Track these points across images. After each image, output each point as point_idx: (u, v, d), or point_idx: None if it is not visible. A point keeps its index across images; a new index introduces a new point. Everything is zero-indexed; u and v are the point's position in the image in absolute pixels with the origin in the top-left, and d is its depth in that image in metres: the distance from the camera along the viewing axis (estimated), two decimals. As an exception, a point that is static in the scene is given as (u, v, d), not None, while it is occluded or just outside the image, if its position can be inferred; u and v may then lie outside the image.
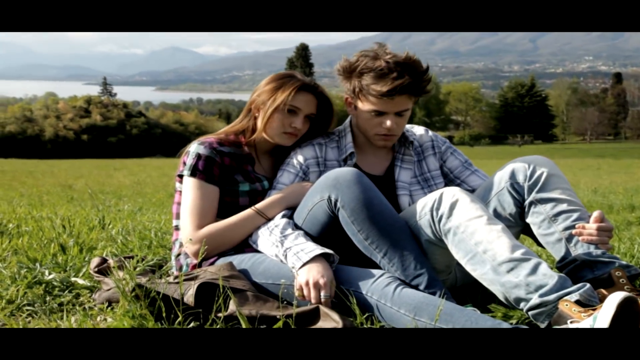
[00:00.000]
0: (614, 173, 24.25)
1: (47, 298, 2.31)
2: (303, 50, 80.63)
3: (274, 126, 2.50)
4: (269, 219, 2.38)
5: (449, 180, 2.68)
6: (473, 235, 2.04)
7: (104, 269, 2.41)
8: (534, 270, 1.93)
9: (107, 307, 2.23)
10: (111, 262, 2.44)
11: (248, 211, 2.40)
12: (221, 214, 2.43)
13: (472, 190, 2.58)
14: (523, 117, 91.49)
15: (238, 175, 2.48)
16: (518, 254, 1.96)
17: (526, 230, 2.40)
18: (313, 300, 2.06)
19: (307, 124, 2.55)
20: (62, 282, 2.43)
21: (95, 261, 2.50)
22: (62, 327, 1.99)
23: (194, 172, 2.41)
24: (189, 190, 2.42)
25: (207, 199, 2.41)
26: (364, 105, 2.48)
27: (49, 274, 2.52)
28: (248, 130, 2.57)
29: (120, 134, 65.65)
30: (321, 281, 2.06)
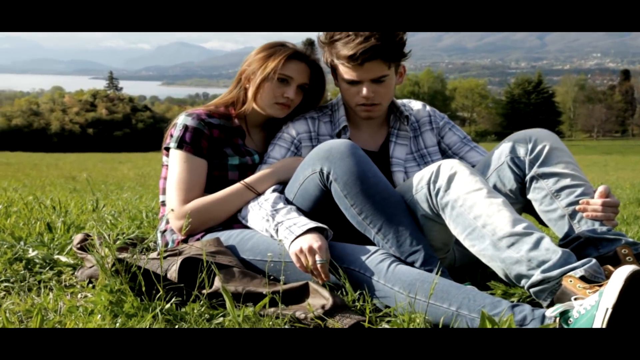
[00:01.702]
0: (620, 169, 24.06)
1: (27, 275, 2.21)
2: (309, 45, 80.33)
3: (265, 96, 2.39)
4: (259, 194, 2.28)
5: (447, 156, 2.57)
6: (472, 209, 1.94)
7: (86, 246, 2.31)
8: (536, 245, 1.82)
9: (88, 284, 2.13)
10: (93, 237, 2.34)
11: (237, 185, 2.29)
12: (209, 189, 2.33)
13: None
14: (530, 114, 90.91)
15: (227, 149, 2.38)
16: (519, 228, 1.85)
17: (528, 207, 2.28)
18: (310, 266, 1.96)
19: (300, 95, 2.45)
20: (45, 259, 2.34)
21: (78, 237, 2.40)
22: (38, 303, 1.89)
23: (180, 144, 2.31)
24: (176, 163, 2.31)
25: (194, 173, 2.30)
26: (339, 75, 2.39)
27: (33, 251, 2.42)
28: (238, 102, 2.46)
29: (125, 128, 65.59)
30: (315, 245, 1.96)
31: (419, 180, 2.08)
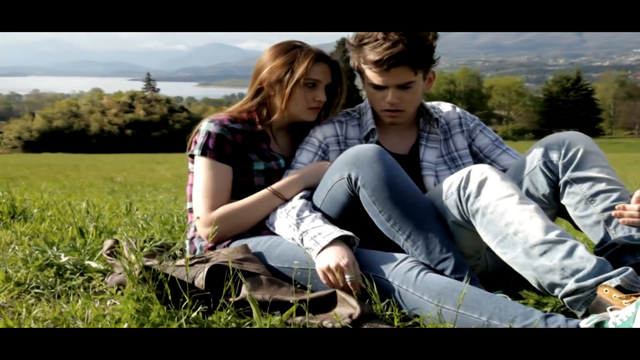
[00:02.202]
0: (663, 167, 23.50)
1: (58, 281, 2.23)
2: (343, 45, 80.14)
3: (298, 103, 2.37)
4: (287, 200, 2.26)
5: (479, 159, 2.52)
6: (503, 216, 1.89)
7: (115, 252, 2.32)
8: (570, 253, 1.77)
9: (117, 291, 2.13)
10: (123, 243, 2.35)
11: (264, 192, 2.27)
12: (236, 195, 2.32)
13: (503, 171, 2.42)
14: (568, 112, 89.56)
15: (252, 154, 2.36)
16: (552, 235, 1.80)
17: (562, 212, 2.22)
18: (341, 285, 1.93)
19: (325, 95, 2.42)
20: (75, 265, 2.35)
21: (108, 243, 2.42)
22: (66, 311, 1.89)
23: (204, 151, 2.30)
24: (201, 170, 2.30)
25: (219, 179, 2.28)
26: (366, 79, 2.35)
27: (65, 256, 2.44)
28: (263, 110, 2.42)
29: (163, 129, 66.35)
30: (342, 263, 1.92)
31: (449, 185, 2.04)
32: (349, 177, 2.06)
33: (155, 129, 65.93)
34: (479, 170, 1.99)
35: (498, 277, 2.24)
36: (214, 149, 2.29)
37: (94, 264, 2.35)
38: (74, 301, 2.01)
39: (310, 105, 2.38)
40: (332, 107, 2.50)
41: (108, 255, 2.33)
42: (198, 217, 2.23)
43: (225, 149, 2.30)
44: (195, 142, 2.32)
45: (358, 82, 2.50)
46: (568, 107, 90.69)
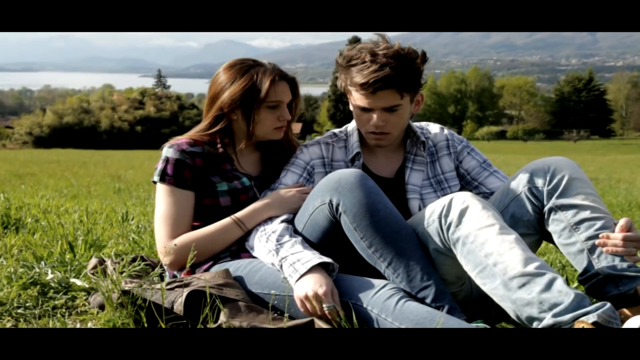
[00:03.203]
0: (674, 170, 23.31)
1: (41, 300, 2.23)
2: (355, 43, 79.80)
3: (265, 125, 2.35)
4: (249, 230, 2.26)
5: (466, 182, 2.49)
6: (483, 246, 1.87)
7: (97, 273, 2.32)
8: (549, 286, 1.75)
9: (98, 312, 2.13)
10: (108, 263, 2.35)
11: (227, 221, 2.26)
12: (204, 217, 2.31)
13: (490, 193, 2.40)
14: (580, 112, 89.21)
15: (214, 176, 2.33)
16: (531, 268, 1.78)
17: (548, 237, 2.19)
18: (318, 313, 1.92)
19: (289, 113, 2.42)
20: (60, 283, 2.35)
21: (92, 262, 2.42)
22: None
23: (163, 178, 2.28)
24: (160, 197, 2.29)
25: (179, 206, 2.27)
26: (351, 101, 2.34)
27: (51, 273, 2.44)
28: (224, 137, 2.41)
29: (173, 126, 66.42)
30: (320, 291, 1.90)
31: (431, 213, 2.02)
32: (331, 203, 2.05)
33: (165, 126, 66.03)
34: (461, 199, 1.97)
35: (483, 302, 2.22)
36: (173, 175, 2.27)
37: (78, 282, 2.35)
38: (53, 323, 2.00)
39: (275, 125, 2.37)
40: (292, 121, 2.48)
41: (92, 274, 2.32)
42: (164, 250, 2.22)
43: (185, 173, 2.28)
44: (157, 168, 2.31)
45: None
46: (580, 107, 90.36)
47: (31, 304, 2.19)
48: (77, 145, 55.59)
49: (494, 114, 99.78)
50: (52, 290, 2.31)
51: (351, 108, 2.40)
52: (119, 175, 18.96)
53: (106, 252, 2.87)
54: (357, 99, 2.28)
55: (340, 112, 70.35)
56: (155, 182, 2.32)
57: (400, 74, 2.20)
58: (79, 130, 63.85)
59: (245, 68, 2.33)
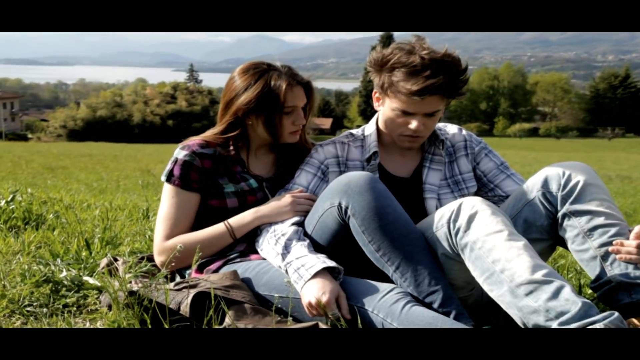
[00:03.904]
0: None
1: (52, 298, 2.25)
2: (387, 39, 79.86)
3: (281, 130, 2.36)
4: (237, 238, 2.28)
5: (482, 184, 2.47)
6: (491, 252, 1.84)
7: (106, 272, 2.34)
8: (556, 294, 1.72)
9: (108, 311, 2.14)
10: (120, 262, 2.37)
11: (220, 227, 2.28)
12: (212, 218, 2.32)
13: (506, 197, 2.37)
14: (615, 109, 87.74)
15: (222, 178, 2.34)
16: (539, 275, 1.75)
17: (562, 242, 2.15)
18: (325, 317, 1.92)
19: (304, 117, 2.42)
20: (73, 281, 2.37)
21: (104, 261, 2.44)
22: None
23: (169, 178, 2.31)
24: (165, 197, 2.32)
25: (180, 209, 2.29)
26: (391, 103, 2.30)
27: (67, 270, 2.47)
28: (239, 140, 2.42)
29: (204, 120, 66.82)
30: (323, 299, 1.90)
31: (440, 217, 2.00)
32: (340, 206, 2.04)
33: (197, 120, 66.45)
34: (470, 204, 1.95)
35: (493, 307, 2.19)
36: (180, 177, 2.29)
37: (91, 280, 2.37)
38: (62, 322, 2.02)
39: (291, 130, 2.37)
40: (306, 123, 2.47)
41: (104, 273, 2.34)
42: (158, 250, 2.26)
43: (191, 175, 2.29)
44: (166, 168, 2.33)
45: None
46: (615, 105, 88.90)
47: (43, 302, 2.21)
48: (109, 139, 56.23)
49: (526, 110, 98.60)
50: (64, 289, 2.33)
51: (381, 108, 2.38)
52: (149, 169, 19.18)
53: (122, 249, 2.89)
54: (401, 102, 2.25)
55: (371, 108, 69.76)
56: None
57: (451, 81, 2.20)
58: (111, 124, 64.59)
59: (260, 73, 2.33)
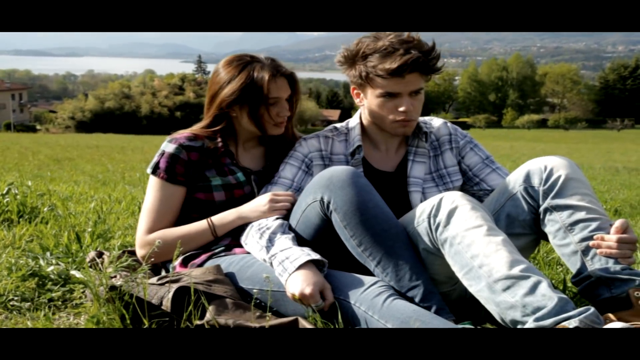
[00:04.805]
0: None
1: (39, 292, 2.27)
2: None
3: (266, 121, 2.36)
4: (218, 237, 2.29)
5: (468, 178, 2.47)
6: (469, 248, 1.84)
7: (87, 265, 2.35)
8: (533, 289, 1.72)
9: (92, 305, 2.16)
10: (105, 256, 2.38)
11: (202, 223, 2.29)
12: (200, 211, 2.34)
13: (491, 190, 2.37)
14: (624, 100, 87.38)
15: (210, 171, 2.35)
16: (516, 270, 1.75)
17: (547, 238, 2.15)
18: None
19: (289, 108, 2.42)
20: (60, 275, 2.38)
21: (91, 255, 2.45)
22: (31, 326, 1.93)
23: (155, 171, 2.31)
24: (149, 190, 2.33)
25: (165, 202, 2.30)
26: (374, 90, 2.30)
27: (56, 264, 2.49)
28: (225, 133, 2.42)
29: (212, 112, 66.85)
30: (307, 291, 1.90)
31: (421, 212, 2.00)
32: (322, 200, 2.04)
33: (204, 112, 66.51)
34: (450, 199, 1.95)
35: (477, 302, 2.19)
36: (165, 169, 2.30)
37: (78, 274, 2.38)
38: (43, 317, 2.04)
39: (276, 121, 2.37)
40: (293, 116, 2.49)
41: (90, 267, 2.36)
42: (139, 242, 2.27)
43: (177, 168, 2.30)
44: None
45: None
46: (624, 96, 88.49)
47: (28, 296, 2.22)
48: (117, 130, 56.33)
49: (535, 102, 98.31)
50: (50, 282, 2.34)
51: (363, 102, 2.39)
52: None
53: (113, 243, 2.90)
54: (384, 86, 2.26)
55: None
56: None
57: (425, 56, 2.22)
58: (119, 115, 64.71)
59: (243, 64, 2.34)
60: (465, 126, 79.41)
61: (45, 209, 3.63)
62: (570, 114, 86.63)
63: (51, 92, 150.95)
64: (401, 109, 2.28)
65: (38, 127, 67.06)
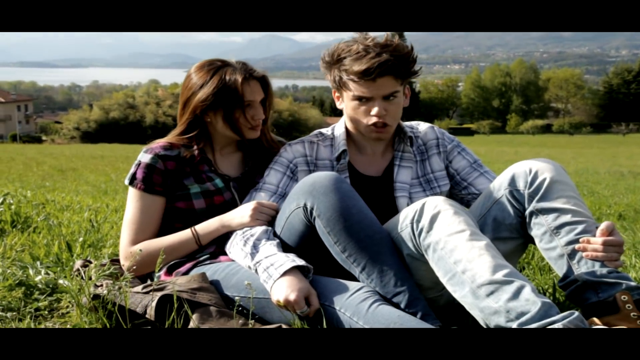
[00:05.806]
0: None
1: (25, 301, 2.26)
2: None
3: (242, 125, 2.35)
4: (202, 245, 2.28)
5: (455, 182, 2.45)
6: (453, 253, 1.83)
7: (68, 274, 2.35)
8: (516, 294, 1.70)
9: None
10: (92, 265, 2.38)
11: (186, 233, 2.28)
12: (180, 221, 2.33)
13: (479, 194, 2.35)
14: (629, 105, 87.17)
15: (188, 179, 2.34)
16: (499, 275, 1.74)
17: (534, 241, 2.13)
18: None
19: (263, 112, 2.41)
20: (47, 284, 2.38)
21: (78, 263, 2.44)
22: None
23: (132, 181, 2.31)
24: (129, 201, 2.32)
25: (145, 213, 2.29)
26: (348, 94, 2.31)
27: (45, 273, 2.48)
28: (200, 139, 2.41)
29: (216, 121, 66.97)
30: (291, 297, 1.89)
31: (404, 218, 1.99)
32: (305, 207, 2.03)
33: (208, 121, 66.63)
34: (433, 204, 1.93)
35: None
36: (143, 180, 2.29)
37: (65, 283, 2.37)
38: (30, 324, 2.03)
39: (252, 124, 2.37)
40: (267, 119, 2.48)
41: (77, 276, 2.35)
42: (124, 255, 2.26)
43: (154, 178, 2.29)
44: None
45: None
46: (629, 100, 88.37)
47: (14, 306, 2.21)
48: (122, 140, 56.42)
49: (539, 107, 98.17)
50: (37, 292, 2.33)
51: (343, 105, 2.39)
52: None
53: (104, 252, 2.90)
54: (355, 89, 2.26)
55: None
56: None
57: (398, 60, 2.21)
58: (124, 125, 64.81)
59: (215, 69, 2.34)
60: (469, 132, 79.39)
61: (39, 219, 3.63)
62: (575, 119, 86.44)
63: (56, 103, 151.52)
64: (372, 112, 2.28)
65: (44, 138, 67.27)
